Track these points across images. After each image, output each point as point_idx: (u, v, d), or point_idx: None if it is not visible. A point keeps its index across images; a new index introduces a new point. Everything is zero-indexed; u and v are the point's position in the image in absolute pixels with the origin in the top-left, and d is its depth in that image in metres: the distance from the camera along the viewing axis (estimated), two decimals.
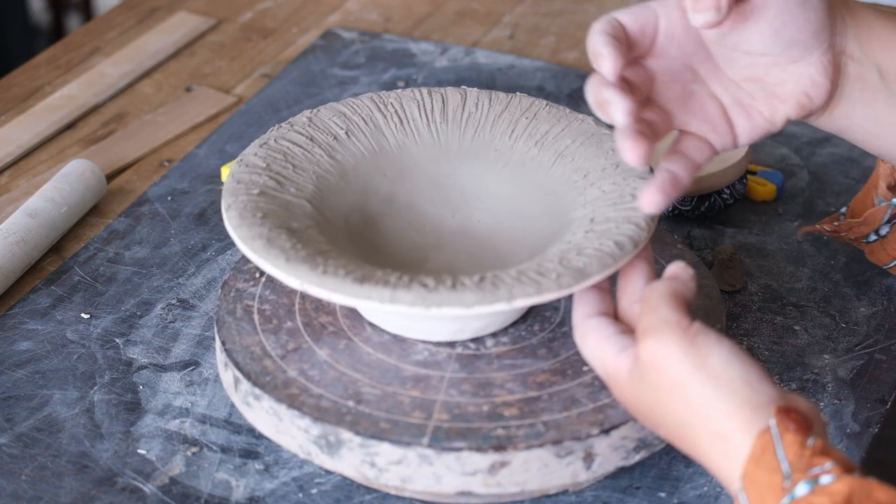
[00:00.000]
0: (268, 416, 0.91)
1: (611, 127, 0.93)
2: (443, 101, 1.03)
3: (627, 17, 0.89)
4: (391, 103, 1.03)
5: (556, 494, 0.92)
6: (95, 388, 1.00)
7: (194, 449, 0.95)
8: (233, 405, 0.98)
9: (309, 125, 1.01)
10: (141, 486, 0.92)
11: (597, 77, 0.87)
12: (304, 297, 0.98)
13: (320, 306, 0.97)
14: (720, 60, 0.91)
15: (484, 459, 0.87)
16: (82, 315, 1.07)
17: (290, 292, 0.98)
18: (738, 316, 1.06)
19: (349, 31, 1.44)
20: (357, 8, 1.50)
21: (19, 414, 0.98)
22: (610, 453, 0.89)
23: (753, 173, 1.20)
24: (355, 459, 0.88)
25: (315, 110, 1.02)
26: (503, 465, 0.87)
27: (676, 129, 0.92)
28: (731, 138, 0.91)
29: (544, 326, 0.96)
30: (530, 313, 0.97)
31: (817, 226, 1.08)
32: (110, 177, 1.23)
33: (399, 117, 1.02)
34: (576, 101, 1.32)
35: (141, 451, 0.95)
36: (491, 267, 0.92)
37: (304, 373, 0.92)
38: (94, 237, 1.15)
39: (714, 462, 0.80)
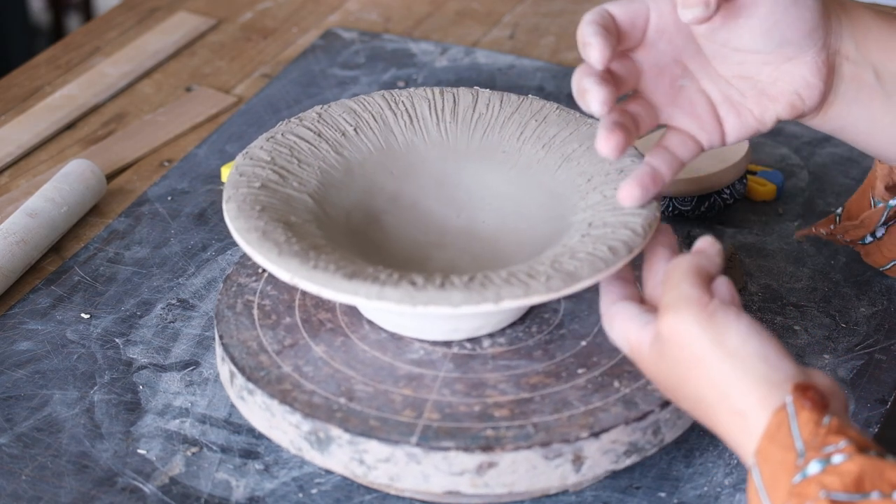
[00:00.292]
0: (260, 411, 0.91)
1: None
2: (454, 101, 1.03)
3: (618, 9, 0.89)
4: (402, 101, 1.03)
5: (557, 494, 0.92)
6: (95, 388, 1.00)
7: (194, 449, 0.95)
8: (233, 405, 0.98)
9: (318, 120, 1.01)
10: (141, 486, 0.92)
11: (583, 66, 0.87)
12: (305, 293, 0.98)
13: (320, 303, 0.97)
14: (711, 56, 0.91)
15: (471, 459, 0.87)
16: (82, 315, 1.07)
17: (292, 288, 0.98)
18: None
19: (349, 31, 1.44)
20: (357, 8, 1.50)
21: (19, 414, 0.98)
22: (600, 457, 0.89)
23: (753, 173, 1.20)
24: (344, 456, 0.88)
25: (326, 106, 1.02)
26: (491, 465, 0.87)
27: (663, 123, 0.91)
28: (719, 136, 0.91)
29: (542, 328, 0.96)
30: (529, 315, 0.97)
31: (812, 229, 1.08)
32: (110, 177, 1.23)
33: (409, 115, 1.02)
34: (575, 101, 1.31)
35: (141, 451, 0.95)
36: (492, 268, 0.92)
37: (299, 369, 0.92)
38: (94, 237, 1.15)
39: (731, 437, 0.80)
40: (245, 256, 1.01)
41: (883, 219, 1.03)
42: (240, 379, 0.92)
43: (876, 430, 0.97)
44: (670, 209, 1.15)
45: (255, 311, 0.97)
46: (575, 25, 1.45)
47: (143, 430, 0.97)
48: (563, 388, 0.91)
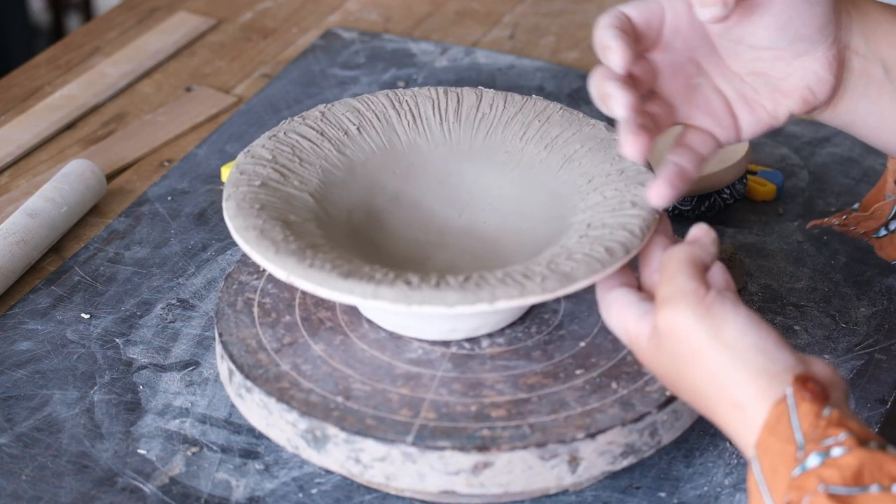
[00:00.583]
0: (258, 409, 0.91)
1: (612, 122, 0.93)
2: (458, 101, 1.03)
3: (634, 11, 0.89)
4: (406, 101, 1.03)
5: (556, 494, 0.92)
6: (95, 388, 1.00)
7: (194, 449, 0.95)
8: (233, 405, 0.98)
9: (321, 119, 1.01)
10: (141, 486, 0.92)
11: (601, 70, 0.87)
12: (306, 292, 0.98)
13: (320, 302, 0.97)
14: (724, 54, 0.91)
15: (467, 459, 0.87)
16: (82, 315, 1.07)
17: (292, 287, 0.98)
18: None
19: (349, 31, 1.44)
20: (357, 8, 1.50)
21: (19, 414, 0.98)
22: (596, 458, 0.89)
23: (753, 173, 1.20)
24: (340, 455, 0.88)
25: (329, 105, 1.02)
26: (486, 465, 0.87)
27: (680, 122, 0.92)
28: (734, 132, 0.92)
29: (541, 329, 0.96)
30: (528, 315, 0.97)
31: (826, 220, 1.08)
32: (110, 177, 1.23)
33: (412, 115, 1.02)
34: (575, 101, 1.32)
35: (141, 451, 0.95)
36: (492, 268, 0.92)
37: (297, 367, 0.92)
38: (94, 237, 1.15)
39: (731, 429, 0.80)
40: (247, 255, 1.01)
41: (894, 211, 1.03)
42: (238, 377, 0.92)
43: (876, 430, 0.97)
44: (670, 209, 1.15)
45: (256, 309, 0.97)
46: (575, 25, 1.45)
47: (143, 430, 0.97)
48: (560, 388, 0.91)
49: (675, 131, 0.93)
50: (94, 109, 1.32)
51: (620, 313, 0.87)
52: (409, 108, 1.03)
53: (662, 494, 0.92)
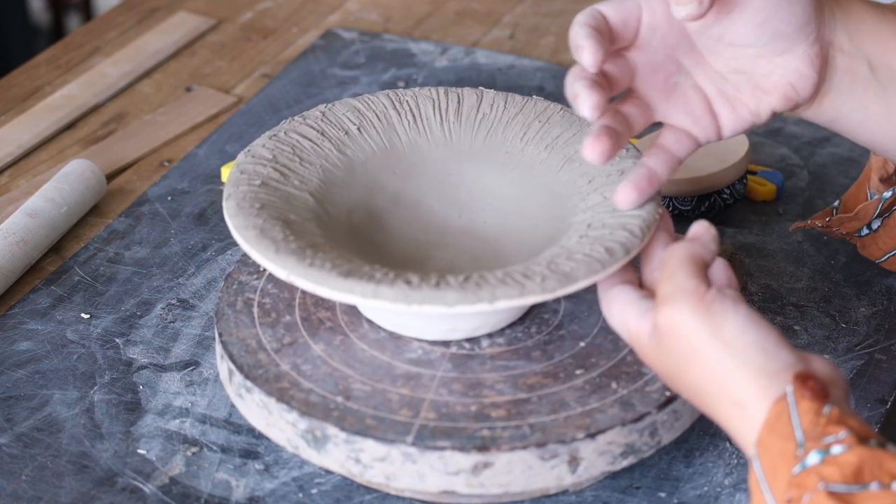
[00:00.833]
0: (258, 409, 0.91)
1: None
2: (458, 101, 1.03)
3: (610, 9, 0.88)
4: (407, 101, 1.03)
5: (556, 494, 0.92)
6: (95, 388, 1.00)
7: (194, 449, 0.95)
8: (233, 405, 0.98)
9: (322, 119, 1.01)
10: (141, 486, 0.92)
11: (576, 69, 0.87)
12: (306, 292, 0.98)
13: (320, 302, 0.97)
14: (705, 52, 0.91)
15: (467, 459, 0.87)
16: (82, 315, 1.07)
17: (292, 287, 0.98)
18: None
19: (349, 31, 1.44)
20: (357, 8, 1.50)
21: (19, 414, 0.98)
22: (596, 458, 0.89)
23: (753, 173, 1.20)
24: (340, 455, 0.88)
25: (330, 105, 1.02)
26: (486, 465, 0.87)
27: (658, 121, 0.91)
28: (714, 130, 0.91)
29: (541, 329, 0.96)
30: (528, 315, 0.97)
31: (808, 221, 1.08)
32: (110, 177, 1.23)
33: (413, 115, 1.02)
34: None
35: (141, 451, 0.95)
36: (492, 268, 0.92)
37: (297, 367, 0.92)
38: (94, 237, 1.15)
39: (731, 427, 0.81)
40: (247, 255, 1.01)
41: (877, 211, 1.03)
42: (238, 377, 0.92)
43: (876, 430, 0.97)
44: (670, 209, 1.15)
45: (255, 309, 0.97)
46: None
47: (143, 430, 0.97)
48: (560, 388, 0.91)
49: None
50: (94, 109, 1.32)
51: (621, 311, 0.87)
52: (410, 109, 1.03)
53: (662, 494, 0.92)
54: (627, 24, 0.89)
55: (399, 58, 1.39)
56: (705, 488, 0.93)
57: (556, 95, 1.32)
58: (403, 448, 0.87)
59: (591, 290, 0.93)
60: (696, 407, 0.84)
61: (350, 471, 0.89)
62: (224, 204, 0.94)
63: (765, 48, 0.89)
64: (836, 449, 0.74)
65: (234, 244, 1.12)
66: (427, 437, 0.87)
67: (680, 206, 1.15)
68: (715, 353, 0.80)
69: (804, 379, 0.77)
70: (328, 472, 0.93)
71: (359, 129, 1.01)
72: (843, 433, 0.74)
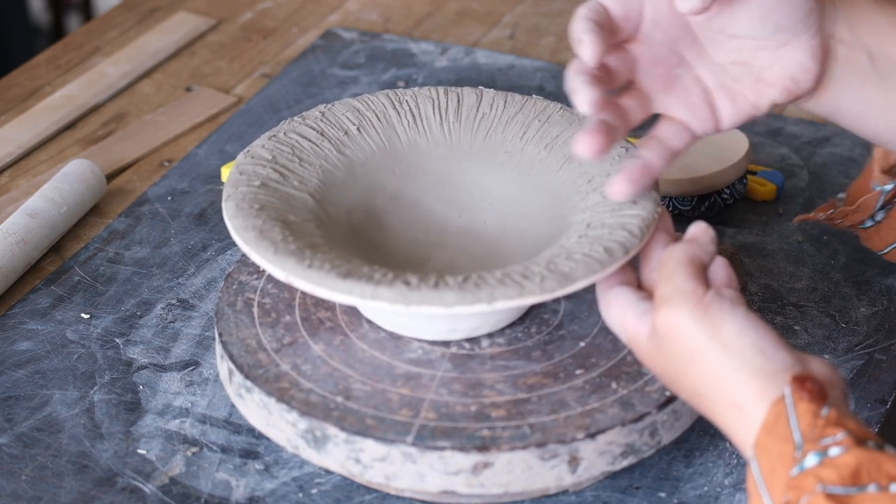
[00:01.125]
0: (258, 409, 0.91)
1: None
2: (458, 101, 1.03)
3: (612, 3, 0.88)
4: (406, 101, 1.03)
5: (556, 494, 0.92)
6: (95, 388, 1.00)
7: (194, 449, 0.95)
8: (233, 405, 0.98)
9: (321, 119, 1.01)
10: (141, 486, 0.92)
11: (575, 63, 0.87)
12: (306, 292, 0.98)
13: (320, 302, 0.97)
14: (706, 44, 0.91)
15: (467, 459, 0.87)
16: (82, 315, 1.07)
17: (292, 287, 0.98)
18: None
19: (349, 31, 1.44)
20: (357, 8, 1.50)
21: (19, 414, 0.98)
22: (596, 458, 0.89)
23: (753, 173, 1.20)
24: (340, 455, 0.88)
25: (330, 105, 1.02)
26: (486, 465, 0.87)
27: (657, 112, 0.91)
28: (712, 122, 0.91)
29: (541, 329, 0.96)
30: (528, 315, 0.97)
31: (812, 213, 1.08)
32: (110, 177, 1.23)
33: (413, 115, 1.02)
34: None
35: (141, 451, 0.95)
36: (492, 268, 0.92)
37: (297, 367, 0.92)
38: (94, 237, 1.15)
39: (729, 429, 0.81)
40: (246, 255, 1.01)
41: (880, 203, 1.03)
42: (238, 377, 0.92)
43: (876, 430, 0.97)
44: (670, 209, 1.15)
45: (255, 309, 0.97)
46: None
47: (143, 430, 0.97)
48: (560, 388, 0.91)
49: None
50: (94, 109, 1.32)
51: (620, 312, 0.87)
52: (410, 108, 1.03)
53: (662, 494, 0.92)
54: (629, 17, 0.89)
55: (399, 58, 1.39)
56: (705, 488, 0.93)
57: (556, 95, 1.32)
58: (403, 448, 0.87)
59: (591, 290, 0.93)
60: (695, 408, 0.84)
61: (350, 471, 0.89)
62: (223, 205, 0.94)
63: (767, 40, 0.89)
64: (834, 451, 0.74)
65: (234, 244, 1.12)
66: (427, 437, 0.87)
67: (680, 206, 1.15)
68: (713, 354, 0.80)
69: (802, 380, 0.77)
70: (328, 472, 0.94)
71: (358, 129, 1.01)
72: (841, 435, 0.74)
